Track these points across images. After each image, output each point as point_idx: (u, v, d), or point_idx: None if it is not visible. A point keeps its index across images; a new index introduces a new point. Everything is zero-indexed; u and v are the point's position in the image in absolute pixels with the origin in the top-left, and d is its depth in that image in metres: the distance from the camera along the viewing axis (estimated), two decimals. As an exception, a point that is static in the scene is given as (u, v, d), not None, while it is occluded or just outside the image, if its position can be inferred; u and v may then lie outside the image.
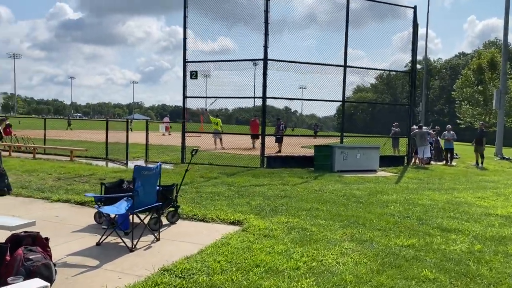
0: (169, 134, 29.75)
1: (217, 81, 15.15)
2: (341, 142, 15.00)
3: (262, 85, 13.78)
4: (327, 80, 14.74)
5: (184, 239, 5.06)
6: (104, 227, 5.36)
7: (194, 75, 14.82)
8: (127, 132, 14.77)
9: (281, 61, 13.97)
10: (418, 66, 71.92)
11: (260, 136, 18.75)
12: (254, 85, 14.63)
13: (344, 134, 15.50)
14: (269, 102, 14.87)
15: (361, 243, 5.16)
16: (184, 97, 14.91)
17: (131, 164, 14.18)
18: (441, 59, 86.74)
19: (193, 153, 6.15)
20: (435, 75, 78.83)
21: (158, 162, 5.43)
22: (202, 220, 6.01)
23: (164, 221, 5.80)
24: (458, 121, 53.18)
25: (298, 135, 20.52)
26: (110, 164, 14.06)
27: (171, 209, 5.85)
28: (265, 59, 13.69)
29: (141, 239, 4.89)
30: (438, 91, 76.98)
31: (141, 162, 14.98)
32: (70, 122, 43.85)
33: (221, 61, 14.56)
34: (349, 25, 14.55)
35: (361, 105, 40.69)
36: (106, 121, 15.97)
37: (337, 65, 14.72)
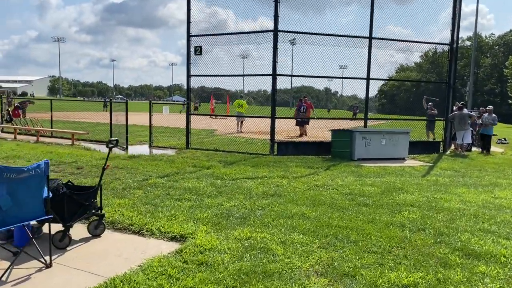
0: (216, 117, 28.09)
1: (227, 58, 13.58)
2: (365, 125, 13.07)
3: (272, 60, 12.08)
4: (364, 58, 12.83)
5: (87, 266, 3.65)
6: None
7: (198, 50, 13.32)
8: (126, 114, 13.59)
9: (294, 32, 12.16)
10: (467, 43, 66.63)
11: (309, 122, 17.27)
12: (291, 63, 12.93)
13: (382, 116, 13.63)
14: (308, 82, 13.20)
15: (337, 279, 3.54)
16: (188, 76, 13.48)
17: (132, 149, 13.09)
18: (494, 34, 79.81)
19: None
20: (486, 52, 72.75)
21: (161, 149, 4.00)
22: (138, 233, 4.59)
23: (85, 233, 4.44)
24: (510, 101, 48.59)
25: (329, 118, 18.62)
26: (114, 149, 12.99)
27: (95, 218, 4.46)
28: (276, 30, 11.94)
29: (25, 264, 3.55)
30: (489, 69, 71.07)
31: (144, 147, 13.85)
32: (106, 104, 44.10)
33: (229, 34, 12.93)
34: (394, 1, 12.44)
35: (404, 85, 37.68)
36: (110, 102, 14.91)
37: (361, 37, 12.71)
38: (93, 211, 4.29)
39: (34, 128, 15.80)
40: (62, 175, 8.03)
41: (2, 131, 16.71)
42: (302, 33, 12.20)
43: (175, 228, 4.62)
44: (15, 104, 17.46)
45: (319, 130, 16.12)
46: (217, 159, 10.97)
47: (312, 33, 12.29)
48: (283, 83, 12.14)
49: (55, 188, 4.12)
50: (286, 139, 13.19)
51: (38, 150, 11.51)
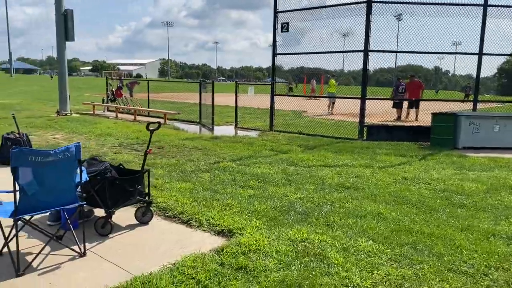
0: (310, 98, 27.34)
1: (319, 35, 12.67)
2: (474, 108, 11.24)
3: (365, 34, 10.90)
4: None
5: (120, 259, 3.37)
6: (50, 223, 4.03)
7: (285, 27, 12.64)
8: (213, 95, 13.57)
9: (390, 2, 10.79)
10: None
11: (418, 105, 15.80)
12: (397, 40, 11.70)
13: (501, 98, 11.71)
14: (416, 61, 11.81)
15: (404, 308, 2.74)
16: (274, 54, 12.92)
17: (217, 130, 13.10)
18: None
19: (149, 129, 4.27)
20: None
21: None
22: (186, 223, 4.22)
23: (133, 220, 4.20)
24: None
25: (432, 100, 16.72)
26: (196, 129, 13.13)
27: (143, 204, 4.19)
28: (369, 1, 10.71)
29: (62, 251, 3.40)
30: None
31: (229, 129, 13.77)
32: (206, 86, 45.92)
33: (319, 7, 11.99)
34: None
35: (532, 61, 32.45)
36: (199, 83, 15.05)
37: (473, 5, 10.82)
38: (138, 197, 4.01)
39: (133, 107, 16.74)
40: (139, 155, 8.13)
41: (108, 110, 18.00)
42: (399, 2, 10.77)
43: (225, 221, 4.16)
44: (118, 85, 18.72)
45: (423, 113, 14.43)
46: (298, 143, 10.34)
47: (412, 3, 10.79)
48: (386, 61, 10.86)
49: (101, 171, 3.92)
50: (380, 123, 11.96)
51: (130, 129, 12.02)
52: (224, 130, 13.31)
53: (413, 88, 15.66)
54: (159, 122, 4.06)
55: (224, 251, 3.44)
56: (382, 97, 11.76)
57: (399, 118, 16.47)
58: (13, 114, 6.59)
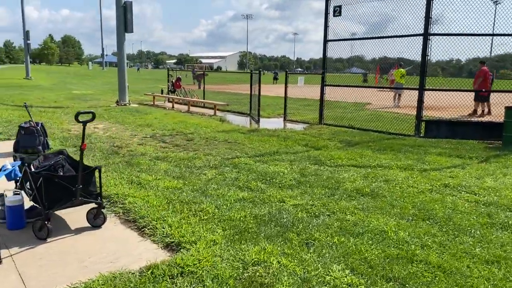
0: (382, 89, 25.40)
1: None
2: None
3: (425, 16, 9.47)
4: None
5: (36, 270, 2.93)
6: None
7: (337, 11, 11.55)
8: (259, 86, 12.94)
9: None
10: None
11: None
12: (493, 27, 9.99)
13: None
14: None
15: None
16: (325, 41, 11.91)
17: (264, 122, 12.50)
18: None
19: (79, 120, 3.70)
20: None
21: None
22: (140, 230, 3.67)
23: (84, 222, 3.76)
24: None
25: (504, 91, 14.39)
26: (243, 121, 12.64)
27: (93, 205, 3.72)
28: (431, -23, 9.25)
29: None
30: None
31: (277, 121, 13.09)
32: (277, 77, 45.54)
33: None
34: None
35: None
36: (250, 73, 14.50)
37: None
38: (84, 198, 3.55)
39: (187, 98, 16.76)
40: (163, 147, 7.81)
41: (168, 101, 18.26)
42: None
43: (181, 231, 3.54)
44: (177, 76, 18.91)
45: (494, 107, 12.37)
46: (341, 138, 9.34)
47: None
48: (480, 49, 9.00)
49: (50, 167, 3.53)
50: (441, 118, 10.38)
51: (175, 119, 11.87)
52: (270, 122, 12.66)
53: (482, 77, 13.46)
54: (92, 112, 3.54)
55: (150, 271, 2.83)
56: (449, 87, 10.15)
57: (475, 112, 14.40)
58: (25, 104, 6.57)
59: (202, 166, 6.18)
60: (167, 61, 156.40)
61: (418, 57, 9.80)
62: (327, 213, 4.21)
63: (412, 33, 9.80)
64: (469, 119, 10.72)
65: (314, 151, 7.68)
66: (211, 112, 14.69)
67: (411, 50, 10.09)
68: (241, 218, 3.94)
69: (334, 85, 12.17)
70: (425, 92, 9.82)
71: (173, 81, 18.72)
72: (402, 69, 17.69)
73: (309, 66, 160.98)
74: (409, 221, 4.05)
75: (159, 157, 6.74)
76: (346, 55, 12.34)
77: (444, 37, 9.48)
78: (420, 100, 9.80)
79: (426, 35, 9.50)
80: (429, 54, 9.57)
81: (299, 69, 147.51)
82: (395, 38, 10.27)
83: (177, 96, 18.36)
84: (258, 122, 12.73)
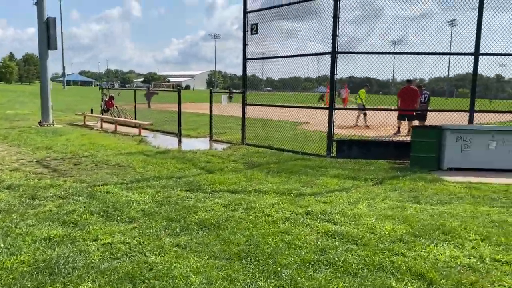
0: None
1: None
2: (470, 121, 9.11)
3: (332, 32, 9.26)
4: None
5: None
6: None
7: (254, 29, 11.27)
8: (179, 105, 12.45)
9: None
10: None
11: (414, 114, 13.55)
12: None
13: None
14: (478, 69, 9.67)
15: None
16: (244, 59, 11.57)
17: (186, 142, 11.98)
18: None
19: None
20: None
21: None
22: None
23: None
24: None
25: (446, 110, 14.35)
26: (167, 141, 12.03)
27: None
28: (336, -5, 9.08)
29: None
30: None
31: (201, 141, 12.57)
32: (231, 96, 45.27)
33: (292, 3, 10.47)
34: None
35: None
36: (177, 91, 13.95)
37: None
38: None
39: (113, 118, 16.08)
40: (36, 172, 7.11)
41: (103, 121, 17.47)
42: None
43: None
44: (110, 95, 18.18)
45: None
46: (249, 159, 8.91)
47: None
48: (441, 69, 8.74)
49: None
50: (352, 137, 10.10)
51: (88, 141, 11.12)
52: (194, 142, 12.14)
53: (407, 95, 13.31)
54: None
55: None
56: (385, 107, 9.98)
57: (398, 131, 14.24)
58: None
59: (51, 196, 5.53)
60: (134, 80, 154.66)
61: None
62: (134, 254, 3.65)
63: (323, 52, 9.56)
64: (382, 138, 10.44)
65: (203, 175, 7.16)
66: (139, 131, 14.04)
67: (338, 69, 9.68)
68: (14, 265, 3.32)
69: (254, 104, 11.80)
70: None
71: (106, 100, 17.97)
72: (361, 90, 17.47)
73: (279, 86, 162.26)
74: (223, 260, 3.54)
75: (12, 186, 6.04)
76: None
77: (406, 56, 9.05)
78: (331, 120, 9.49)
79: (334, 53, 9.27)
80: (336, 71, 9.33)
81: (268, 88, 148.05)
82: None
83: (110, 115, 17.61)
84: (180, 142, 12.18)
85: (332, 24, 9.20)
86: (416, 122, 14.24)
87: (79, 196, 5.54)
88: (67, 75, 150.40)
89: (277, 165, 8.28)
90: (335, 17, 9.15)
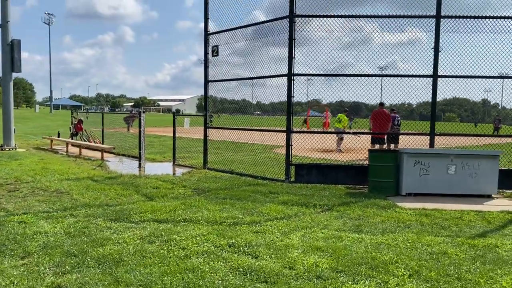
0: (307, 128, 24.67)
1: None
2: (431, 144, 8.80)
3: (288, 55, 9.01)
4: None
5: None
6: None
7: (215, 51, 11.03)
8: (140, 127, 12.04)
9: (320, 16, 8.87)
10: None
11: (388, 138, 13.18)
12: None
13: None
14: (459, 93, 9.10)
15: None
16: (206, 82, 11.28)
17: (149, 166, 11.51)
18: None
19: None
20: None
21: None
22: None
23: None
24: None
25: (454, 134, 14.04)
26: (127, 165, 11.53)
27: None
28: (292, 15, 8.89)
29: None
30: None
31: (162, 165, 12.09)
32: (211, 119, 45.06)
33: (249, 25, 10.26)
34: None
35: None
36: (139, 113, 13.57)
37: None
38: None
39: (78, 142, 15.62)
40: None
41: (72, 145, 16.95)
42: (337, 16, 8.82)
43: None
44: (79, 118, 17.74)
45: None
46: (201, 185, 8.49)
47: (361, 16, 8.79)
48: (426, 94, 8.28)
49: None
50: (312, 162, 9.73)
51: (39, 166, 10.60)
52: (155, 167, 11.69)
53: (379, 119, 13.04)
54: None
55: None
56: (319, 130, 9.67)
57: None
58: None
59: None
60: (124, 104, 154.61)
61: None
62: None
63: (279, 74, 9.29)
64: (339, 163, 10.04)
65: (140, 203, 6.68)
66: (105, 155, 13.54)
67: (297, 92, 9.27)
68: None
69: (215, 127, 11.46)
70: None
71: (75, 123, 17.51)
72: (342, 114, 17.24)
73: (269, 109, 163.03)
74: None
75: None
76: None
77: (394, 81, 8.72)
78: (288, 143, 9.13)
79: (290, 76, 9.00)
80: (293, 94, 9.04)
81: (258, 112, 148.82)
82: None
83: (80, 138, 17.14)
84: (140, 167, 11.70)
85: (288, 47, 8.96)
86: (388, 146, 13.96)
87: (-20, 227, 5.03)
88: (58, 99, 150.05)
89: (226, 191, 7.83)
90: (291, 39, 8.93)
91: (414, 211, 6.56)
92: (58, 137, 17.04)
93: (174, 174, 10.39)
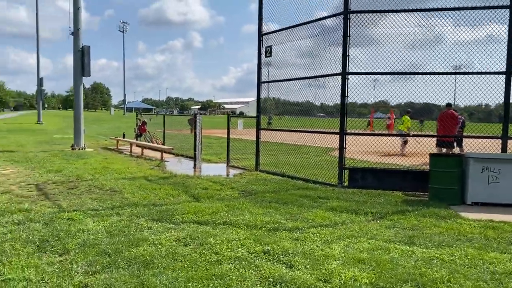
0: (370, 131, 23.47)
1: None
2: (503, 149, 7.88)
3: (342, 54, 8.60)
4: None
5: None
6: None
7: (268, 51, 10.88)
8: (195, 129, 12.22)
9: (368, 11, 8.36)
10: None
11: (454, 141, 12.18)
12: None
13: None
14: None
15: None
16: (259, 83, 11.18)
17: (203, 167, 11.68)
18: None
19: None
20: None
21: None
22: None
23: None
24: None
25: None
26: (184, 166, 11.78)
27: None
28: (346, 11, 8.48)
29: None
30: None
31: (217, 166, 12.18)
32: (270, 121, 45.04)
33: (301, 24, 9.97)
34: None
35: None
36: (194, 116, 13.80)
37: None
38: None
39: (141, 142, 16.25)
40: (20, 195, 7.05)
41: (137, 146, 17.78)
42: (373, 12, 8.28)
43: None
44: (143, 120, 18.50)
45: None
46: (249, 187, 8.42)
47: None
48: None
49: None
50: (367, 166, 9.14)
51: (102, 165, 11.13)
52: (209, 168, 11.82)
53: (446, 121, 11.96)
54: None
55: None
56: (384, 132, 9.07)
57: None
58: None
59: (8, 222, 5.32)
60: (192, 107, 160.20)
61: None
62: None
63: (333, 73, 8.89)
64: (397, 167, 9.34)
65: (186, 203, 6.69)
66: (164, 156, 13.98)
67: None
68: None
69: (268, 129, 11.29)
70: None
71: (140, 125, 18.31)
72: (405, 116, 16.40)
73: (333, 111, 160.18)
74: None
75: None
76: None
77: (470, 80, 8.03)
78: (342, 146, 8.70)
79: (344, 74, 8.57)
80: (347, 94, 8.60)
81: (321, 114, 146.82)
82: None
83: (143, 139, 17.90)
84: (194, 167, 11.89)
85: (342, 44, 8.55)
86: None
87: (36, 222, 5.28)
88: (131, 102, 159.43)
89: (273, 194, 7.62)
90: (345, 36, 8.50)
91: (479, 222, 5.87)
92: (123, 138, 17.89)
93: (226, 175, 10.38)
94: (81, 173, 9.59)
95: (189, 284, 3.45)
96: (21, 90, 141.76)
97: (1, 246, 4.30)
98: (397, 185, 8.31)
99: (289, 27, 10.18)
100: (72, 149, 15.34)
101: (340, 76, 8.64)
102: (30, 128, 32.22)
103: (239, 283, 3.53)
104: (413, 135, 9.99)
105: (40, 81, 43.21)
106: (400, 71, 8.29)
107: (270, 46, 10.74)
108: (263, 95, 11.27)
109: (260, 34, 10.97)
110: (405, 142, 15.23)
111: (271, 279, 3.63)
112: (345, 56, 8.53)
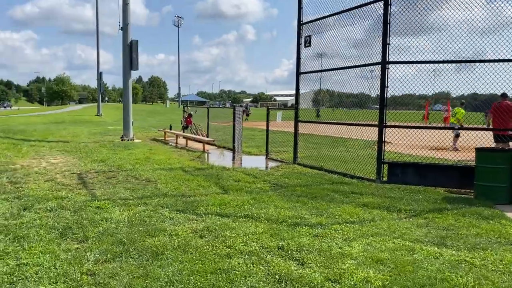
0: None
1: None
2: None
3: (382, 42, 8.16)
4: None
5: None
6: None
7: (307, 41, 10.60)
8: (234, 121, 12.22)
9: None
10: None
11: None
12: None
13: None
14: None
15: None
16: (298, 73, 10.96)
17: (242, 159, 11.72)
18: None
19: None
20: None
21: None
22: None
23: None
24: None
25: None
26: (222, 157, 11.90)
27: None
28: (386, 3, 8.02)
29: None
30: None
31: (256, 158, 12.15)
32: (319, 114, 44.36)
33: (339, 12, 9.59)
34: None
35: None
36: (233, 108, 13.82)
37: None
38: None
39: (185, 134, 16.57)
40: (62, 184, 7.42)
41: (183, 138, 18.23)
42: None
43: None
44: (189, 113, 18.84)
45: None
46: (283, 180, 8.27)
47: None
48: None
49: None
50: (408, 161, 8.59)
51: (145, 155, 11.48)
52: (245, 160, 11.83)
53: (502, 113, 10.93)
54: None
55: None
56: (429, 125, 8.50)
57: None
58: None
59: (42, 208, 5.59)
60: (244, 100, 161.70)
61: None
62: (29, 280, 3.32)
63: (372, 62, 8.47)
64: (441, 162, 8.64)
65: (213, 195, 6.70)
66: (207, 147, 14.18)
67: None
68: None
69: (306, 121, 11.03)
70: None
71: (186, 117, 18.70)
72: (458, 108, 15.50)
73: (388, 103, 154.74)
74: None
75: (23, 196, 6.31)
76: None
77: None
78: (381, 139, 8.29)
79: (384, 64, 8.13)
80: (387, 84, 8.15)
81: (376, 106, 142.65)
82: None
83: (189, 131, 18.27)
84: (233, 159, 11.93)
85: (382, 33, 8.09)
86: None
87: (66, 210, 5.51)
88: (185, 95, 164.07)
89: (304, 188, 7.42)
90: (385, 23, 8.04)
91: (529, 225, 5.32)
92: (170, 129, 18.36)
93: (263, 167, 10.29)
94: (122, 163, 9.93)
95: (191, 278, 3.41)
96: (85, 84, 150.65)
97: (28, 231, 4.52)
98: (441, 181, 7.79)
99: (329, 15, 9.82)
100: (122, 140, 15.97)
101: (379, 66, 8.21)
102: (89, 120, 34.09)
103: (243, 278, 3.44)
104: (463, 128, 9.28)
105: (100, 75, 45.48)
106: (461, 59, 7.61)
107: (310, 36, 10.45)
108: (303, 87, 11.00)
109: (300, 24, 10.70)
110: (457, 136, 14.29)
111: (277, 276, 3.50)
112: (385, 44, 8.08)
